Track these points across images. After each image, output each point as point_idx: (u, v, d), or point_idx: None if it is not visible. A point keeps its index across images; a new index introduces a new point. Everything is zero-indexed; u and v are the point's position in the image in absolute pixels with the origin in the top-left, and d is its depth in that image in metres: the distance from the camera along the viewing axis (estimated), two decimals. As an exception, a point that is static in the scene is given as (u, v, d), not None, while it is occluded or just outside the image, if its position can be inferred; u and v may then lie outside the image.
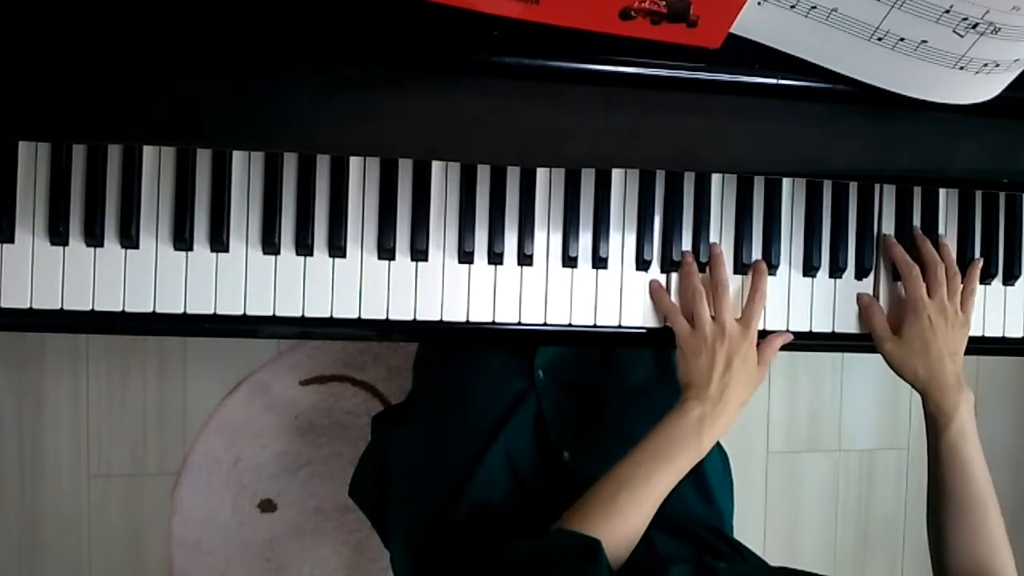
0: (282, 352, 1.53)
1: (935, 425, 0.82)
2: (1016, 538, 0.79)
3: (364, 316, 0.79)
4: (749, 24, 0.65)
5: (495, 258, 0.80)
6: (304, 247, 0.77)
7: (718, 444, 0.93)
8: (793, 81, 0.70)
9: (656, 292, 0.83)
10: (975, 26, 0.62)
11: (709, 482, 0.91)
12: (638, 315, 0.83)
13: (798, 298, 0.86)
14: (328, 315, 0.78)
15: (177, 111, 0.71)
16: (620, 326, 0.83)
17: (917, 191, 0.88)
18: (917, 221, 0.88)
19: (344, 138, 0.75)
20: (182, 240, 0.76)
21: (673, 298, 0.83)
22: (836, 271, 0.86)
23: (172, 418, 1.51)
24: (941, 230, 0.89)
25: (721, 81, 0.69)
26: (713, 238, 0.84)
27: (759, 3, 0.63)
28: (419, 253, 0.79)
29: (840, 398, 1.78)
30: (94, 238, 0.75)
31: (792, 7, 0.63)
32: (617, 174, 0.83)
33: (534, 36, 0.63)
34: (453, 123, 0.73)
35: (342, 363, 1.55)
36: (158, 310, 0.76)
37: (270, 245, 0.77)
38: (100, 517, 1.50)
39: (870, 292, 0.87)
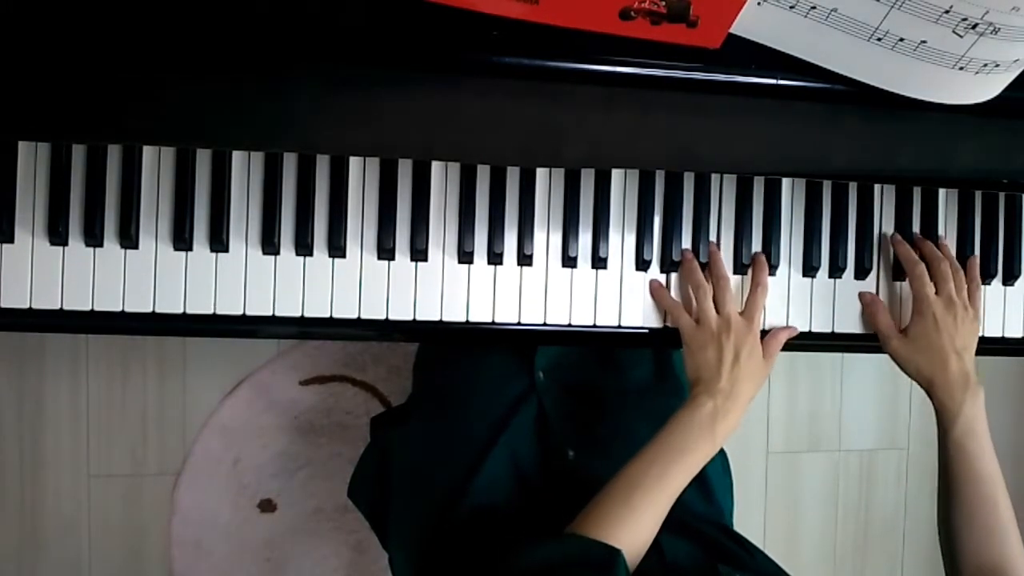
0: (282, 352, 1.54)
1: (941, 423, 0.82)
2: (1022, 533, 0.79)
3: (364, 316, 0.79)
4: (749, 24, 0.65)
5: (495, 258, 0.80)
6: (304, 247, 0.77)
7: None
8: (793, 81, 0.70)
9: (657, 291, 0.83)
10: (975, 26, 0.62)
11: (709, 480, 0.91)
12: (638, 315, 0.83)
13: (798, 298, 0.86)
14: (328, 315, 0.78)
15: (177, 111, 0.71)
16: (620, 326, 0.83)
17: (917, 191, 0.88)
18: (917, 221, 0.88)
19: (344, 138, 0.75)
20: (182, 240, 0.76)
21: (674, 295, 0.83)
22: (836, 271, 0.86)
23: (172, 418, 1.51)
24: (941, 230, 0.89)
25: (721, 81, 0.69)
26: (713, 238, 0.84)
27: (759, 3, 0.63)
28: (419, 253, 0.79)
29: (840, 398, 1.78)
30: (94, 238, 0.75)
31: (792, 7, 0.63)
32: (617, 174, 0.83)
33: (534, 36, 0.63)
34: (453, 123, 0.73)
35: (342, 363, 1.55)
36: (158, 310, 0.76)
37: (270, 245, 0.77)
38: (100, 517, 1.50)
39: (872, 292, 0.87)
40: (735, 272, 0.84)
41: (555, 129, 0.74)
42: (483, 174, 0.80)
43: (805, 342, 0.86)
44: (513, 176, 0.81)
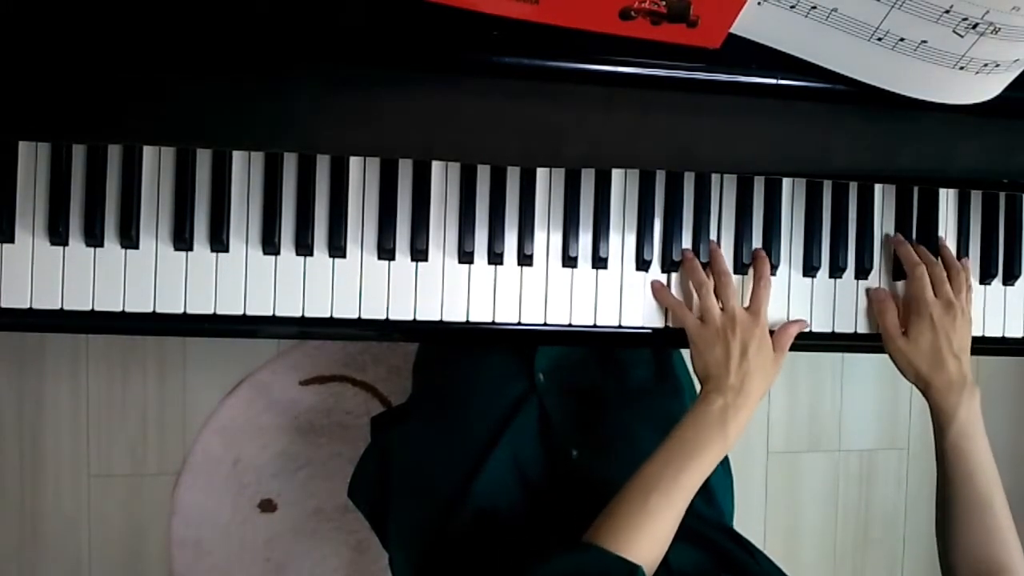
0: (282, 352, 1.54)
1: (938, 425, 0.82)
2: (1021, 537, 0.79)
3: (364, 316, 0.79)
4: (749, 24, 0.65)
5: (495, 258, 0.80)
6: (304, 247, 0.77)
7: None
8: (793, 81, 0.70)
9: (659, 291, 0.83)
10: (975, 26, 0.62)
11: (710, 481, 0.91)
12: (638, 315, 0.83)
13: (798, 298, 0.86)
14: (328, 315, 0.78)
15: (177, 111, 0.71)
16: (620, 326, 0.83)
17: (917, 191, 0.88)
18: (917, 221, 0.88)
19: (344, 138, 0.75)
20: (182, 240, 0.76)
21: (675, 293, 0.83)
22: (836, 271, 0.86)
23: (172, 418, 1.52)
24: (941, 230, 0.89)
25: (721, 81, 0.69)
26: (713, 238, 0.84)
27: (759, 3, 0.63)
28: (419, 253, 0.79)
29: (840, 398, 1.78)
30: (94, 238, 0.75)
31: (792, 7, 0.63)
32: (617, 174, 0.83)
33: (534, 36, 0.63)
34: (453, 123, 0.73)
35: (342, 363, 1.55)
36: (158, 310, 0.76)
37: (270, 245, 0.77)
38: (100, 517, 1.50)
39: (885, 289, 0.87)
40: (736, 272, 0.84)
41: (555, 129, 0.74)
42: (483, 174, 0.80)
43: (805, 342, 0.86)
44: (513, 176, 0.81)
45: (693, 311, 0.81)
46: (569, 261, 0.81)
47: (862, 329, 0.87)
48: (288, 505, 1.53)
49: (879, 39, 0.65)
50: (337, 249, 0.78)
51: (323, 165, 0.78)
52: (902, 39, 0.64)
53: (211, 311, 0.77)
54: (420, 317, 0.79)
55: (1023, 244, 0.90)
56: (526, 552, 0.80)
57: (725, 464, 0.99)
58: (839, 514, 1.80)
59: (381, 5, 0.64)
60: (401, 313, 0.79)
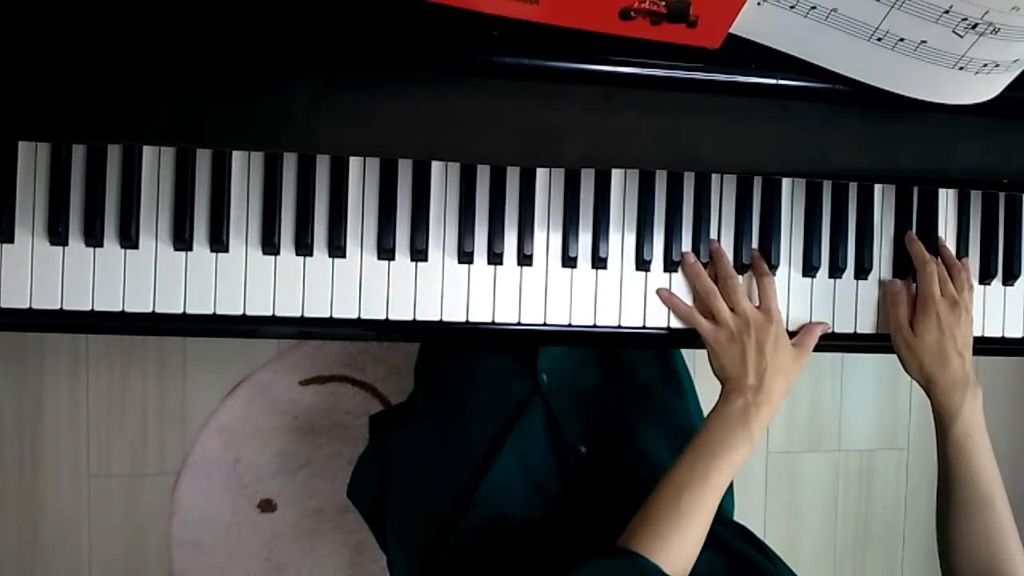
0: (282, 352, 1.54)
1: (940, 423, 0.82)
2: (1021, 537, 0.79)
3: (364, 316, 0.79)
4: (749, 24, 0.65)
5: (495, 258, 0.80)
6: (304, 247, 0.77)
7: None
8: (793, 81, 0.70)
9: (668, 299, 0.83)
10: (975, 26, 0.62)
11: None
12: (638, 315, 0.83)
13: (798, 298, 0.86)
14: (328, 315, 0.78)
15: (177, 111, 0.71)
16: (620, 326, 0.83)
17: (917, 191, 0.88)
18: (917, 221, 0.88)
19: (344, 138, 0.75)
20: (182, 240, 0.76)
21: (675, 292, 0.83)
22: (836, 271, 0.86)
23: (172, 418, 1.52)
24: (941, 230, 0.89)
25: (721, 81, 0.69)
26: (713, 238, 0.84)
27: (759, 3, 0.63)
28: (419, 253, 0.79)
29: (840, 398, 1.78)
30: (94, 238, 0.75)
31: (792, 7, 0.63)
32: (617, 174, 0.83)
33: (534, 36, 0.63)
34: (453, 123, 0.73)
35: (342, 363, 1.55)
36: (158, 310, 0.76)
37: (270, 245, 0.77)
38: (100, 517, 1.50)
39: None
40: (736, 272, 0.84)
41: (555, 129, 0.74)
42: (483, 174, 0.80)
43: (805, 342, 0.86)
44: (513, 176, 0.81)
45: (707, 315, 0.81)
46: (569, 261, 0.81)
47: (862, 329, 0.87)
48: (288, 505, 1.53)
49: (879, 39, 0.65)
50: (337, 249, 0.78)
51: (323, 165, 0.78)
52: (902, 39, 0.64)
53: (211, 311, 0.77)
54: (420, 317, 0.79)
55: (1023, 244, 0.90)
56: (548, 554, 0.80)
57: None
58: (839, 514, 1.80)
59: (381, 5, 0.64)
60: (401, 313, 0.79)
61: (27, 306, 0.75)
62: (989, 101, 0.70)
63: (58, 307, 0.75)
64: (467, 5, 0.61)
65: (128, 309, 0.76)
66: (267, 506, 1.53)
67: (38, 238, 0.75)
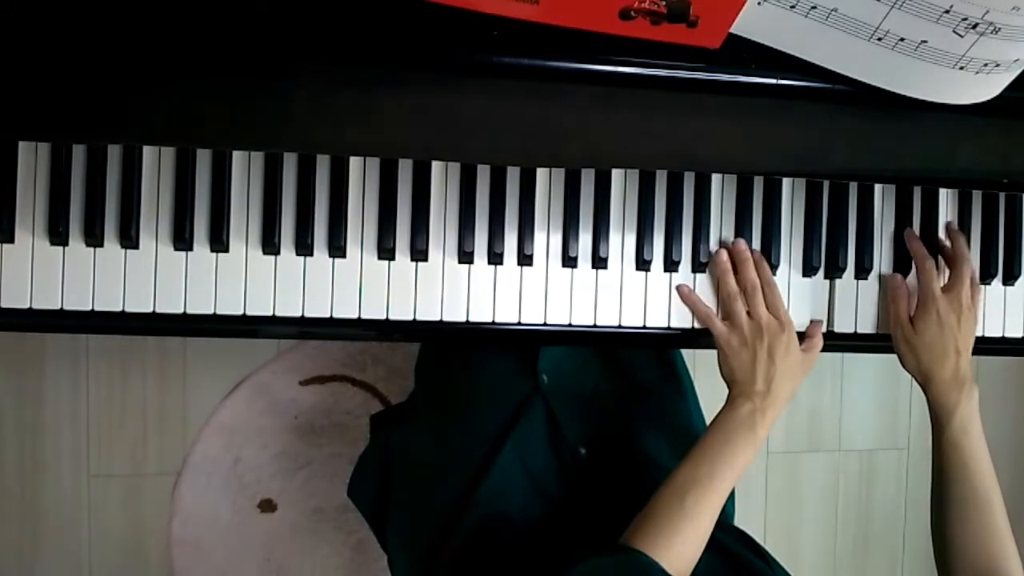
0: (282, 352, 1.53)
1: (937, 421, 0.82)
2: (1018, 537, 0.79)
3: (364, 316, 0.79)
4: (749, 24, 0.65)
5: (495, 258, 0.80)
6: (304, 247, 0.77)
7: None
8: (793, 81, 0.70)
9: (687, 296, 0.83)
10: (975, 26, 0.62)
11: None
12: (638, 315, 0.83)
13: (798, 298, 0.86)
14: (328, 315, 0.78)
15: (177, 111, 0.71)
16: (620, 326, 0.83)
17: (917, 191, 0.88)
18: (917, 221, 0.88)
19: (344, 138, 0.75)
20: (182, 240, 0.76)
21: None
22: (836, 271, 0.86)
23: (172, 418, 1.51)
24: (941, 230, 0.89)
25: (721, 81, 0.69)
26: (713, 238, 0.84)
27: (759, 3, 0.63)
28: (419, 253, 0.79)
29: (840, 398, 1.78)
30: (94, 238, 0.75)
31: (792, 7, 0.63)
32: (617, 174, 0.83)
33: (534, 36, 0.63)
34: (453, 123, 0.73)
35: (342, 363, 1.55)
36: (158, 310, 0.76)
37: (270, 245, 0.77)
38: (100, 517, 1.50)
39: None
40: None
41: (555, 129, 0.74)
42: (483, 174, 0.80)
43: (805, 342, 0.86)
44: (513, 176, 0.81)
45: (722, 317, 0.81)
46: (569, 261, 0.81)
47: (862, 329, 0.87)
48: (288, 505, 1.53)
49: (879, 39, 0.65)
50: (337, 249, 0.78)
51: (323, 165, 0.78)
52: (902, 39, 0.64)
53: (211, 311, 0.77)
54: (420, 317, 0.79)
55: (1023, 244, 0.90)
56: (548, 553, 0.80)
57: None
58: (839, 514, 1.80)
59: (381, 5, 0.64)
60: (401, 313, 0.79)
61: (27, 306, 0.75)
62: (989, 101, 0.70)
63: (58, 307, 0.75)
64: (467, 5, 0.61)
65: (128, 309, 0.76)
66: (267, 506, 1.53)
67: (38, 238, 0.75)
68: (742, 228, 0.84)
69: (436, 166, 0.79)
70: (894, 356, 0.86)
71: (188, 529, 1.51)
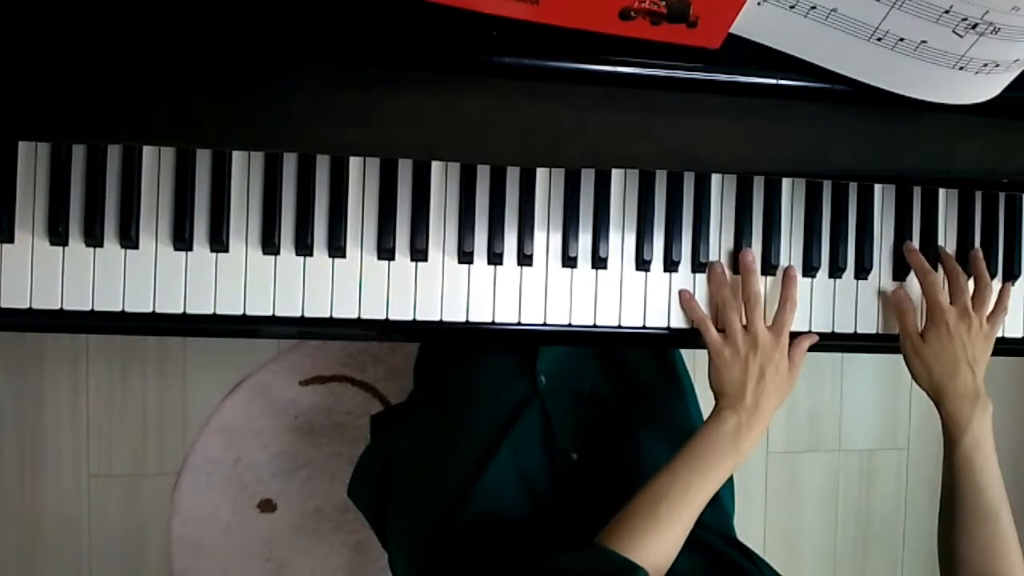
0: (282, 352, 1.54)
1: (949, 435, 0.81)
2: (1020, 538, 0.79)
3: (364, 316, 0.79)
4: (749, 24, 0.65)
5: (495, 258, 0.80)
6: (304, 247, 0.77)
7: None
8: (793, 81, 0.70)
9: (687, 302, 0.83)
10: (975, 26, 0.62)
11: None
12: (638, 315, 0.83)
13: (797, 298, 0.86)
14: (328, 315, 0.78)
15: (177, 111, 0.71)
16: (620, 326, 0.83)
17: (917, 191, 0.88)
18: (917, 221, 0.88)
19: (344, 138, 0.75)
20: (182, 240, 0.76)
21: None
22: (836, 271, 0.86)
23: (172, 418, 1.52)
24: (941, 230, 0.89)
25: (721, 81, 0.69)
26: (713, 238, 0.84)
27: (759, 3, 0.63)
28: (419, 253, 0.79)
29: (840, 398, 1.78)
30: (94, 238, 0.75)
31: (792, 7, 0.63)
32: (617, 174, 0.83)
33: (534, 36, 0.63)
34: (453, 123, 0.73)
35: (342, 363, 1.55)
36: (158, 310, 0.76)
37: (270, 245, 0.77)
38: (100, 517, 1.50)
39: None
40: (735, 272, 0.84)
41: (555, 129, 0.74)
42: (483, 174, 0.80)
43: (805, 342, 0.86)
44: (513, 176, 0.81)
45: (719, 325, 0.81)
46: (569, 261, 0.81)
47: (862, 329, 0.87)
48: (288, 505, 1.53)
49: (879, 39, 0.65)
50: (337, 249, 0.78)
51: (323, 165, 0.78)
52: (902, 39, 0.64)
53: (211, 311, 0.77)
54: (420, 317, 0.79)
55: (1023, 244, 0.90)
56: (529, 553, 0.80)
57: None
58: (839, 514, 1.80)
59: (380, 5, 0.64)
60: (401, 313, 0.79)
61: (27, 306, 0.75)
62: (989, 101, 0.70)
63: (58, 307, 0.75)
64: (466, 5, 0.61)
65: (128, 309, 0.76)
66: (267, 506, 1.53)
67: (38, 238, 0.75)
68: (742, 228, 0.84)
69: (436, 166, 0.79)
70: (894, 356, 0.86)
71: (188, 529, 1.51)
